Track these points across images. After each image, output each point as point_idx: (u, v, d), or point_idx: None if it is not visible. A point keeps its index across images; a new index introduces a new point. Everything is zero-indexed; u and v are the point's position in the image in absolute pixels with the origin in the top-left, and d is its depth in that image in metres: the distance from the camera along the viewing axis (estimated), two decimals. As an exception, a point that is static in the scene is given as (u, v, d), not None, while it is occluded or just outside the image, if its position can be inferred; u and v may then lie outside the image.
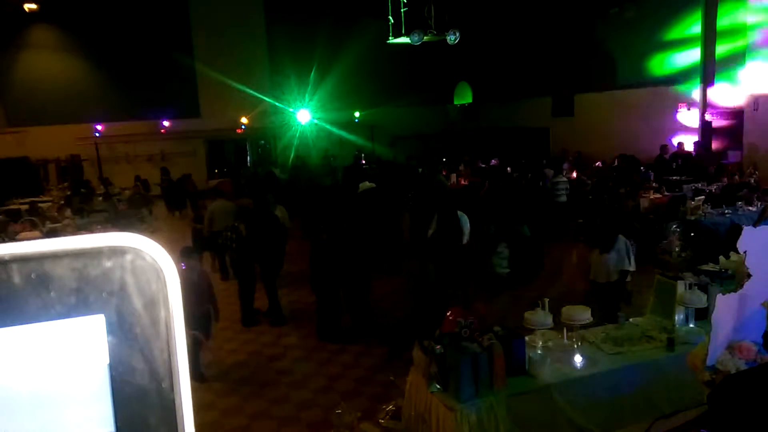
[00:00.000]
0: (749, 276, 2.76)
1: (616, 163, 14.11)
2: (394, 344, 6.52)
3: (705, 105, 14.25)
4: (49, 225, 10.26)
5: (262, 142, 22.91)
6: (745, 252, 2.79)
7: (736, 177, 11.28)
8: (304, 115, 22.05)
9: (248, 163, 22.17)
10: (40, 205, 12.57)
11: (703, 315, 4.75)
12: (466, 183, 13.99)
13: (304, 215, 11.61)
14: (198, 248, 10.16)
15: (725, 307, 2.78)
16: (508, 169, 14.21)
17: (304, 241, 9.48)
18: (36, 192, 15.91)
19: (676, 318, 4.89)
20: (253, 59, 21.30)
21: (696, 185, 11.25)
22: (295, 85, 21.52)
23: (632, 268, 6.29)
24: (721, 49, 13.76)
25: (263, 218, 8.02)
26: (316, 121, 22.28)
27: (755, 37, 12.66)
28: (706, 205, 9.37)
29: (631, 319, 5.27)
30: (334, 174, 15.20)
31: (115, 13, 19.30)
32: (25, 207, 12.09)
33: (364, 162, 18.17)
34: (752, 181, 10.84)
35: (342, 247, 7.09)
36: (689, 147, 13.91)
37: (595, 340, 4.67)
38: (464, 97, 22.97)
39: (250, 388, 6.16)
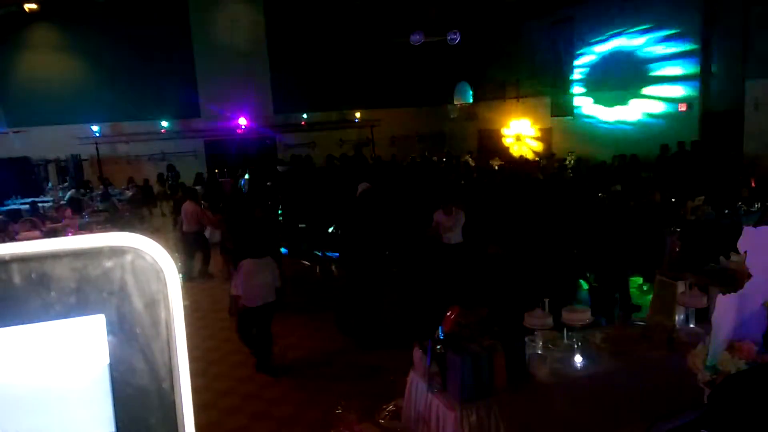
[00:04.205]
0: (749, 276, 2.75)
1: (616, 163, 14.10)
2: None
3: (705, 105, 14.24)
4: (49, 225, 10.25)
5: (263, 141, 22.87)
6: (745, 252, 2.78)
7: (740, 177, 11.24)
8: (303, 115, 22.05)
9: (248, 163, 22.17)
10: (40, 205, 12.58)
11: (703, 315, 4.75)
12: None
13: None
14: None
15: (725, 307, 2.78)
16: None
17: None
18: (36, 192, 15.91)
19: (676, 318, 4.90)
20: (253, 59, 21.28)
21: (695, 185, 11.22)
22: (296, 85, 21.51)
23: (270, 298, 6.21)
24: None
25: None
26: (317, 120, 22.28)
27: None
28: (706, 206, 9.35)
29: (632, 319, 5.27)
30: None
31: (114, 13, 19.29)
32: (25, 207, 12.09)
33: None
34: (752, 181, 10.81)
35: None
36: (688, 147, 13.88)
37: (594, 340, 4.67)
38: (464, 96, 22.95)
39: (251, 387, 6.16)
